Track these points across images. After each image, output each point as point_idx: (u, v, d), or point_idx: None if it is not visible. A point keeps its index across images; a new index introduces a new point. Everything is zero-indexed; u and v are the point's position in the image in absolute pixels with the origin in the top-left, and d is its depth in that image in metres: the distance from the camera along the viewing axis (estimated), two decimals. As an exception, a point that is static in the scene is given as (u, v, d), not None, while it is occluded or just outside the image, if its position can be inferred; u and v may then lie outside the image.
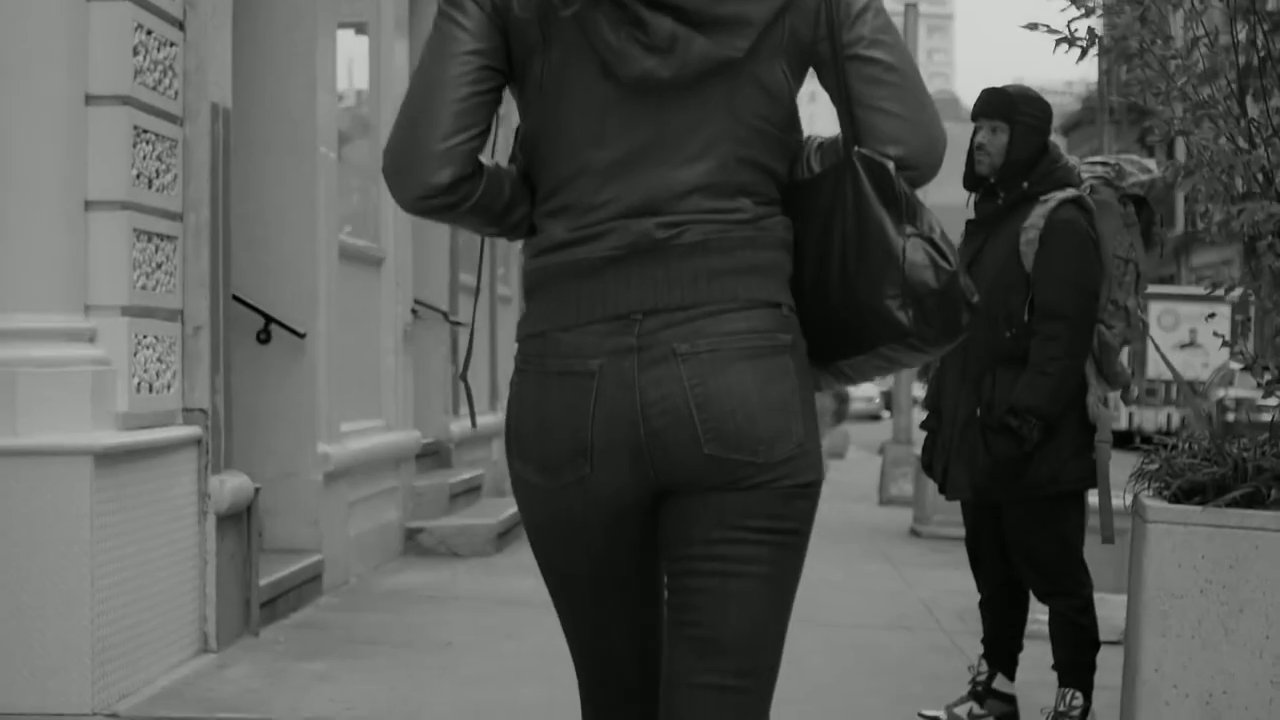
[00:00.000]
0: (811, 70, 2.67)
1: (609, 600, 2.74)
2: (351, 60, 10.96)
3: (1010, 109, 5.83)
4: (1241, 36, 4.91)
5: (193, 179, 7.02)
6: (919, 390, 15.44)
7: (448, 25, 2.57)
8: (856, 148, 2.60)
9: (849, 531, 14.12)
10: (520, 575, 10.15)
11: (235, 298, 8.62)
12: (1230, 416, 29.12)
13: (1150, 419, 32.26)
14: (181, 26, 6.98)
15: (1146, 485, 5.14)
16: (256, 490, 7.48)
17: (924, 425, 6.13)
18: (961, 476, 5.81)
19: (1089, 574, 5.85)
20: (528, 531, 2.77)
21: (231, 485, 7.14)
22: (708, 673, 2.59)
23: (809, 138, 2.73)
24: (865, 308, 2.59)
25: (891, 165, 2.59)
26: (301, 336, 8.75)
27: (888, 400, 49.94)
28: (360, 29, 10.99)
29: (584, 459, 2.57)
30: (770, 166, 2.62)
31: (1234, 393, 29.64)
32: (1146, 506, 4.81)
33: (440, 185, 2.56)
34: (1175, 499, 4.88)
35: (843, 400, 31.78)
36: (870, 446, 26.93)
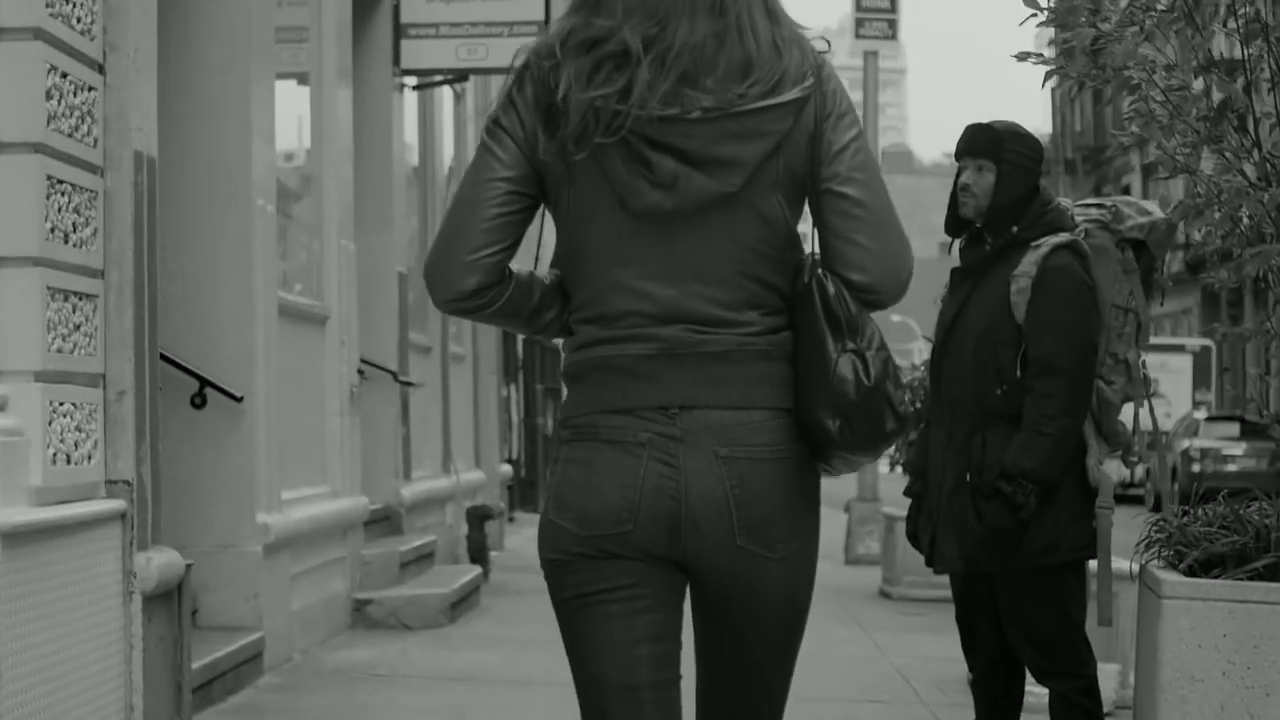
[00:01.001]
0: None
1: (638, 632, 2.95)
2: (293, 112, 10.49)
3: (997, 147, 5.38)
4: (1252, 51, 4.48)
5: (115, 233, 6.53)
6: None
7: (485, 154, 2.93)
8: (819, 271, 2.93)
9: (816, 593, 13.57)
10: (474, 648, 9.65)
11: (167, 359, 8.13)
12: (1196, 468, 28.79)
13: (1113, 470, 31.85)
14: (101, 69, 6.49)
15: (1156, 555, 4.68)
16: (188, 566, 6.95)
17: (908, 491, 5.66)
18: (950, 547, 5.34)
19: (1092, 651, 5.36)
20: (544, 567, 2.99)
21: (159, 562, 6.61)
22: (740, 709, 3.09)
23: (810, 253, 2.98)
24: (808, 419, 2.92)
25: (832, 287, 2.91)
26: (238, 400, 8.25)
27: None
28: (302, 79, 10.53)
29: (629, 518, 2.88)
30: (772, 282, 2.93)
31: (1199, 443, 29.33)
32: (1160, 580, 4.36)
33: (467, 291, 2.94)
34: (1191, 571, 4.43)
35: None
36: (833, 502, 26.51)
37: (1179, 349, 35.29)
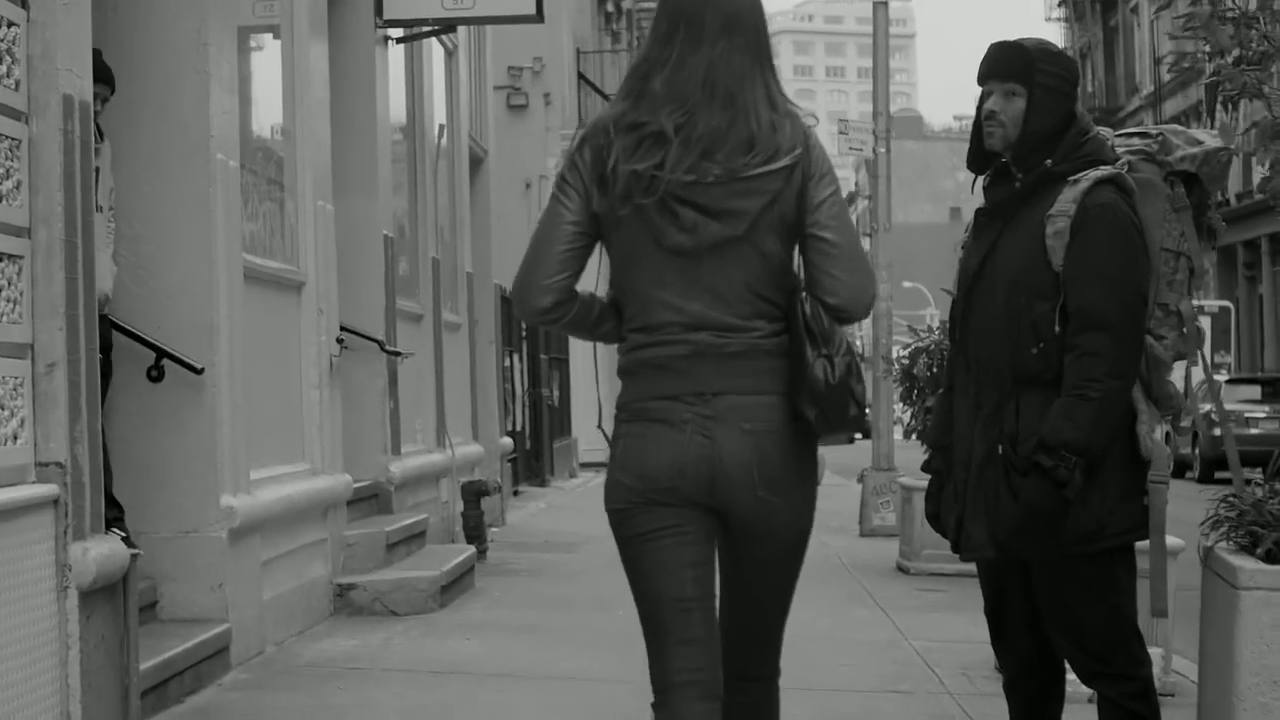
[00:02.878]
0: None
1: (686, 553, 3.83)
2: (264, 67, 9.81)
3: (1028, 68, 4.68)
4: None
5: (41, 187, 5.86)
6: (900, 409, 14.29)
7: (555, 202, 3.86)
8: (803, 293, 3.86)
9: (831, 570, 12.97)
10: (464, 635, 8.99)
11: (120, 328, 7.48)
12: (1216, 431, 28.10)
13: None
14: (23, 4, 5.82)
15: (1225, 536, 4.00)
16: (133, 556, 6.28)
17: (927, 467, 4.98)
18: (980, 531, 4.65)
19: (1145, 647, 4.65)
20: (614, 520, 3.89)
21: (98, 553, 5.95)
22: (753, 620, 3.99)
23: (801, 278, 3.90)
24: (795, 407, 3.83)
25: (810, 308, 3.84)
26: (199, 372, 7.59)
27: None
28: (274, 33, 9.84)
29: (679, 476, 3.80)
30: (773, 299, 3.86)
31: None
32: (1235, 567, 3.68)
33: (545, 307, 3.89)
34: (1270, 557, 3.74)
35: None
36: (846, 471, 25.80)
37: (1197, 310, 34.55)
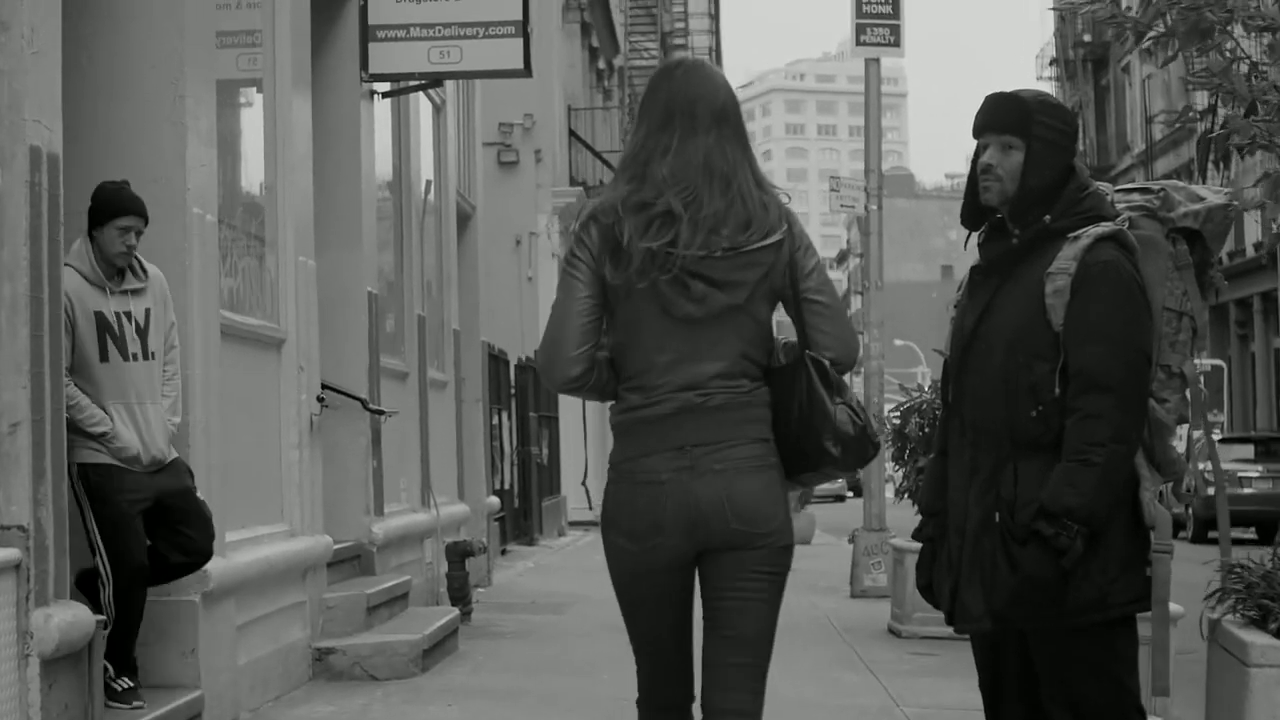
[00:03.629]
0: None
1: (666, 614, 4.33)
2: (246, 120, 9.65)
3: (1025, 120, 4.51)
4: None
5: (6, 241, 5.69)
6: (892, 468, 14.08)
7: (568, 279, 4.28)
8: (806, 351, 4.30)
9: (820, 632, 12.76)
10: (446, 702, 8.77)
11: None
12: (1210, 490, 27.92)
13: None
14: (-10, 53, 5.67)
15: (1233, 610, 3.80)
16: (99, 623, 6.07)
17: (919, 535, 4.79)
18: (976, 602, 4.45)
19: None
20: (613, 578, 4.37)
21: (60, 620, 5.75)
22: (734, 656, 4.26)
23: (778, 339, 4.36)
24: (813, 445, 4.28)
25: (828, 363, 4.29)
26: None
27: (853, 482, 48.55)
28: (256, 85, 9.68)
29: (659, 533, 4.23)
30: (757, 359, 4.31)
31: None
32: (1245, 643, 3.49)
33: (574, 376, 4.30)
34: (1282, 633, 3.55)
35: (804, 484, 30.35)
36: (837, 530, 25.60)
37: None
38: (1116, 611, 4.37)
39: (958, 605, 4.53)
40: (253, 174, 9.54)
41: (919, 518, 4.91)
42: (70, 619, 5.82)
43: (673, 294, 4.20)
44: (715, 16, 52.56)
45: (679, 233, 4.19)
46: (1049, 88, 58.59)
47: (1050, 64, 58.51)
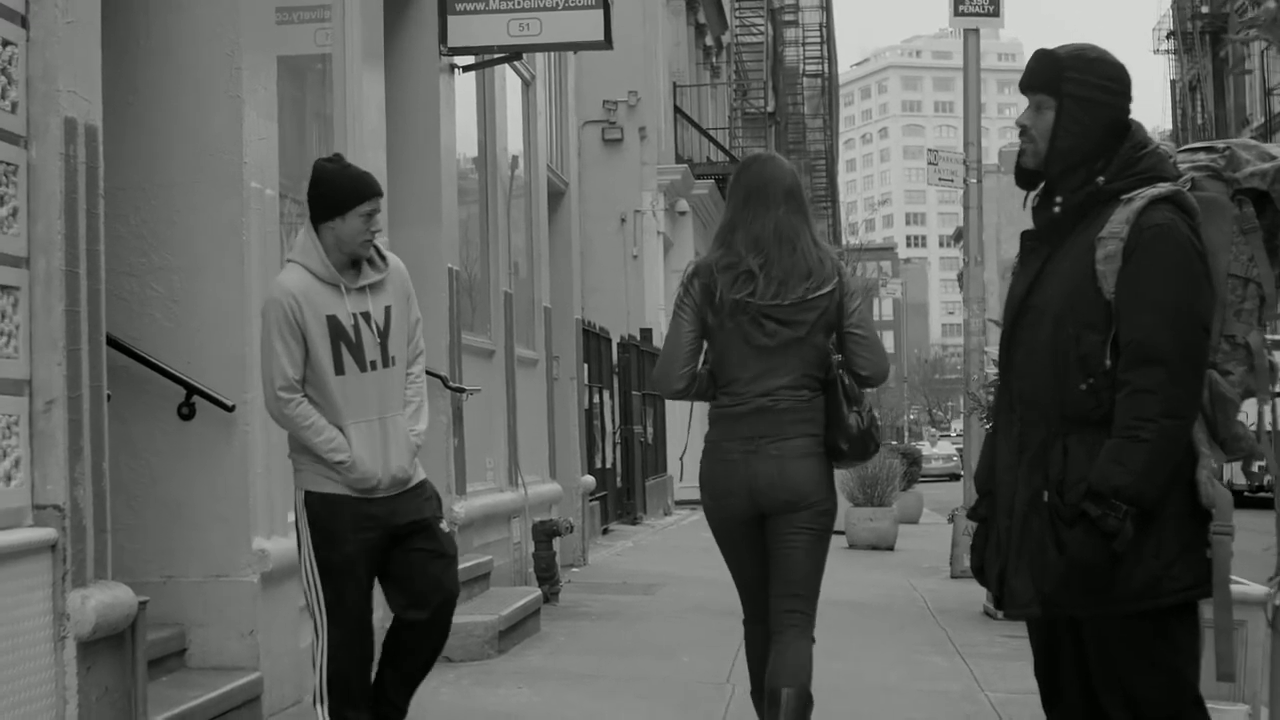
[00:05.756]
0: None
1: (744, 554, 5.91)
2: (318, 98, 9.50)
3: (1055, 77, 4.24)
4: None
5: (41, 214, 5.55)
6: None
7: (678, 318, 5.85)
8: (840, 370, 5.85)
9: (913, 614, 12.49)
10: (518, 684, 8.60)
11: (150, 364, 7.17)
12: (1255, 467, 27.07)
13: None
14: (23, 21, 5.53)
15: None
16: (142, 604, 5.94)
17: (973, 514, 4.54)
18: (1025, 586, 4.20)
19: (1207, 715, 4.19)
20: (710, 526, 5.99)
21: (98, 601, 5.62)
22: (789, 598, 5.83)
23: (835, 357, 5.87)
24: (831, 442, 5.85)
25: (847, 380, 5.86)
26: (230, 409, 7.25)
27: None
28: (325, 62, 9.53)
29: (729, 495, 5.82)
30: (815, 375, 5.83)
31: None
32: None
33: (679, 389, 5.88)
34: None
35: (913, 461, 29.92)
36: (944, 509, 25.24)
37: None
38: (1171, 598, 4.10)
39: (1006, 589, 4.28)
40: (322, 150, 9.38)
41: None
42: (109, 600, 5.69)
43: (752, 330, 5.73)
44: (826, -9, 52.03)
45: (756, 287, 5.72)
46: (1166, 61, 57.62)
47: (1167, 37, 57.52)
